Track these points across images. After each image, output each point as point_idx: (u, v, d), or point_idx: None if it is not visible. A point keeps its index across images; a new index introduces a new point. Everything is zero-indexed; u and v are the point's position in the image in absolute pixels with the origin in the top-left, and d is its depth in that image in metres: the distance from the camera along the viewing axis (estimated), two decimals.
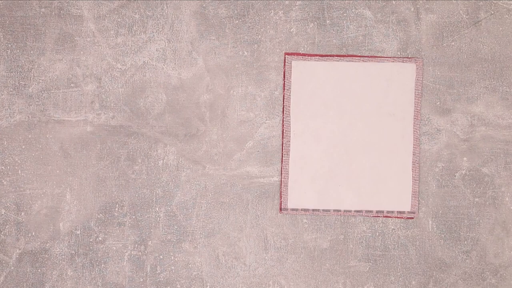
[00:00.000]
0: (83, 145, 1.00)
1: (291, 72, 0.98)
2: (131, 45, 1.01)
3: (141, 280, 0.99)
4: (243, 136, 1.01)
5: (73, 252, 1.00)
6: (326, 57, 0.99)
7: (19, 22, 1.00)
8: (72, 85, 1.00)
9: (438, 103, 1.00)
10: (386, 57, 0.99)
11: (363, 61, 0.98)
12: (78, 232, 1.00)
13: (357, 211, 0.99)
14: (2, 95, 1.00)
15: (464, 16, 1.01)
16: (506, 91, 1.00)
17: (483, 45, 1.00)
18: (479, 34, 1.01)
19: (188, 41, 1.01)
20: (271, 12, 1.01)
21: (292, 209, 0.99)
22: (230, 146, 1.01)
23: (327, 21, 1.00)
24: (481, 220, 1.00)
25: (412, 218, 0.99)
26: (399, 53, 1.00)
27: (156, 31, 1.01)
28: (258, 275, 1.00)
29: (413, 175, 0.98)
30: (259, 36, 1.00)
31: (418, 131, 0.98)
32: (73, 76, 1.00)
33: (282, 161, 0.99)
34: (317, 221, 1.00)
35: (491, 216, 1.00)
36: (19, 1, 1.01)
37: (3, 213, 1.00)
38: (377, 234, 1.00)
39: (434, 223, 1.00)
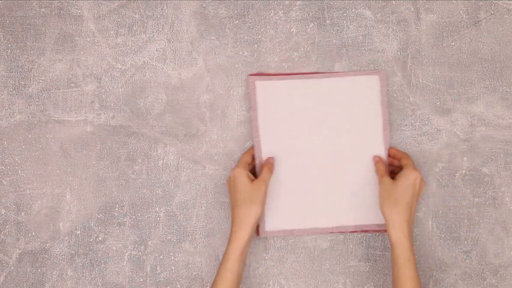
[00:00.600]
0: (83, 145, 1.00)
1: (255, 93, 0.98)
2: (131, 45, 1.01)
3: (141, 280, 0.99)
4: (243, 136, 1.01)
5: (73, 252, 1.00)
6: (289, 76, 0.98)
7: (19, 22, 1.00)
8: (72, 85, 1.00)
9: (438, 103, 1.00)
10: (349, 72, 0.98)
11: (325, 77, 0.98)
12: (78, 232, 1.00)
13: (335, 227, 0.98)
14: (2, 95, 1.00)
15: (464, 16, 1.01)
16: (506, 91, 1.00)
17: (483, 45, 1.01)
18: (479, 34, 1.01)
19: (188, 41, 1.01)
20: (271, 12, 1.01)
21: (271, 232, 0.98)
22: (230, 146, 1.01)
23: (327, 21, 1.00)
24: (481, 220, 1.00)
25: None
26: (398, 53, 1.01)
27: (156, 31, 1.01)
28: (258, 275, 1.00)
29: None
30: (259, 36, 1.00)
31: (388, 141, 0.98)
32: (73, 76, 1.00)
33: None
34: None
35: (491, 216, 1.00)
36: (19, 1, 1.01)
37: (3, 213, 1.00)
38: (377, 234, 1.00)
39: (434, 223, 1.00)
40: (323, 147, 0.98)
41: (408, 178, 0.89)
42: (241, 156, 0.97)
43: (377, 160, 0.96)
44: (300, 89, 0.98)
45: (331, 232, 0.99)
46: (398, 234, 0.86)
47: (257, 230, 0.98)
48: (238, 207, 0.91)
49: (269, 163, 0.95)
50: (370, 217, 0.98)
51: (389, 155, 0.98)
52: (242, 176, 0.92)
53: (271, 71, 1.00)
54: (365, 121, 0.98)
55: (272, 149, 0.97)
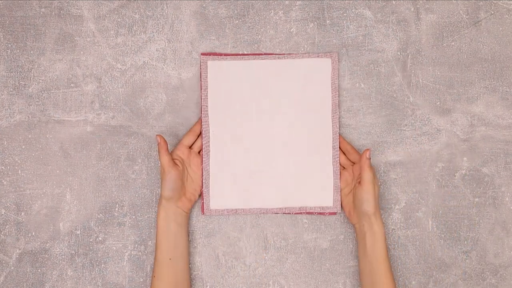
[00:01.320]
0: (83, 145, 1.00)
1: (207, 73, 0.98)
2: (131, 45, 1.00)
3: (141, 280, 0.99)
4: None
5: (73, 252, 1.00)
6: (241, 56, 0.98)
7: (19, 22, 1.00)
8: (72, 85, 1.00)
9: (438, 103, 1.00)
10: (301, 54, 0.99)
11: (278, 58, 0.98)
12: (78, 232, 1.00)
13: (279, 208, 0.99)
14: (2, 95, 1.00)
15: (464, 16, 1.01)
16: (506, 91, 1.00)
17: (483, 45, 1.01)
18: (479, 34, 1.01)
19: (188, 41, 1.01)
20: (271, 12, 1.01)
21: (215, 210, 0.98)
22: None
23: (327, 21, 1.00)
24: (481, 220, 1.00)
25: (335, 213, 0.99)
26: (398, 53, 1.00)
27: (156, 31, 1.01)
28: (258, 275, 1.00)
29: (334, 170, 0.98)
30: (259, 36, 1.00)
31: (336, 125, 0.98)
32: (73, 76, 1.00)
33: (202, 163, 0.98)
34: (317, 221, 1.00)
35: (491, 216, 1.00)
36: (19, 1, 1.01)
37: (3, 213, 1.00)
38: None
39: (434, 223, 1.00)
40: (272, 128, 0.98)
41: (368, 177, 0.92)
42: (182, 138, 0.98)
43: (365, 156, 0.93)
44: (252, 70, 0.98)
45: (276, 213, 0.99)
46: (383, 230, 0.92)
47: (202, 208, 0.99)
48: (169, 207, 0.95)
49: (159, 144, 0.94)
50: (315, 200, 0.98)
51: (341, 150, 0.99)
52: (164, 159, 0.93)
53: (225, 52, 1.00)
54: (315, 104, 0.98)
55: (221, 129, 0.98)
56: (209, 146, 0.98)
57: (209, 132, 0.98)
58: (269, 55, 0.99)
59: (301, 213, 0.99)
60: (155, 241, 0.95)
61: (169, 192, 0.93)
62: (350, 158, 0.98)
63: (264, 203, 0.99)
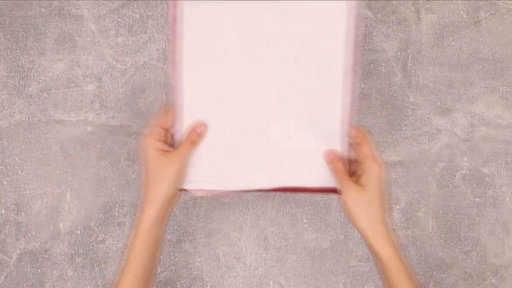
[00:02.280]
0: (83, 145, 1.00)
1: (182, 19, 0.73)
2: (131, 45, 1.00)
3: None
4: None
5: (73, 252, 1.00)
6: None
7: (19, 22, 1.00)
8: (72, 85, 1.00)
9: (438, 103, 1.00)
10: None
11: (276, 2, 0.73)
12: (78, 232, 1.00)
13: (271, 189, 0.77)
14: (2, 95, 1.00)
15: (465, 16, 1.01)
16: (507, 91, 1.00)
17: (483, 45, 1.01)
18: (479, 34, 1.01)
19: None
20: None
21: (190, 190, 0.77)
22: None
23: None
24: (482, 220, 1.00)
25: (336, 192, 0.75)
26: (399, 53, 1.00)
27: (156, 31, 1.00)
28: (258, 275, 1.00)
29: (341, 147, 0.76)
30: None
31: (349, 93, 0.74)
32: (73, 76, 1.00)
33: (174, 130, 0.76)
34: (318, 221, 1.00)
35: (492, 216, 1.00)
36: (19, 1, 1.00)
37: (3, 213, 1.00)
38: None
39: (434, 223, 1.00)
40: (264, 89, 0.75)
41: (373, 178, 0.71)
42: (155, 119, 0.76)
43: (332, 157, 0.75)
44: (242, 16, 0.73)
45: (264, 191, 0.78)
46: (385, 246, 0.70)
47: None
48: (147, 185, 0.74)
49: (195, 134, 0.75)
50: (317, 179, 0.77)
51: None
52: (151, 148, 0.73)
53: None
54: (322, 64, 0.74)
55: (197, 85, 0.75)
56: (182, 110, 0.75)
57: (182, 92, 0.75)
58: None
59: (297, 190, 0.78)
60: (126, 255, 0.74)
61: (175, 186, 0.74)
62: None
63: (251, 183, 0.77)
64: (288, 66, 0.74)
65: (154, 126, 0.75)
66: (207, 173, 0.77)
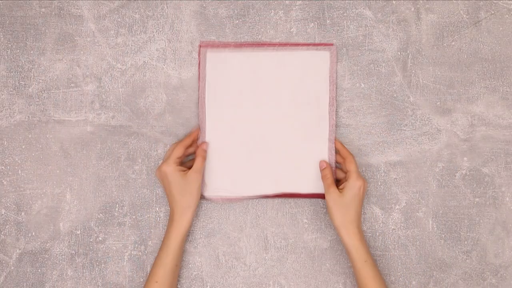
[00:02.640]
0: (83, 145, 1.00)
1: (205, 63, 0.99)
2: (131, 45, 1.00)
3: (141, 280, 0.99)
4: None
5: (73, 252, 1.00)
6: (240, 47, 0.99)
7: (19, 22, 1.00)
8: (72, 85, 1.00)
9: (438, 103, 1.00)
10: (300, 44, 0.99)
11: (277, 50, 0.98)
12: (78, 232, 1.00)
13: (274, 195, 0.99)
14: (2, 95, 1.00)
15: (465, 16, 1.01)
16: (507, 91, 1.00)
17: (483, 45, 1.00)
18: (479, 34, 1.00)
19: (188, 41, 1.00)
20: (271, 12, 1.00)
21: (209, 197, 0.99)
22: None
23: (327, 21, 1.00)
24: (482, 220, 1.00)
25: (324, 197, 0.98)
26: (399, 53, 1.00)
27: (156, 31, 1.00)
28: (258, 275, 1.00)
29: (329, 161, 0.98)
30: (259, 36, 1.00)
31: (333, 118, 0.98)
32: (73, 76, 1.00)
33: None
34: (318, 221, 1.00)
35: (492, 216, 1.00)
36: (19, 1, 1.00)
37: (3, 213, 1.00)
38: (377, 234, 1.00)
39: (434, 223, 1.00)
40: (268, 120, 0.99)
41: (353, 189, 0.92)
42: (172, 150, 0.95)
43: (324, 166, 0.97)
44: (251, 61, 0.98)
45: (269, 197, 0.99)
46: (354, 241, 0.91)
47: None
48: (176, 201, 0.93)
49: (202, 151, 0.96)
50: (310, 188, 0.99)
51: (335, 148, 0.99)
52: (173, 172, 0.92)
53: (224, 41, 1.00)
54: (312, 96, 0.98)
55: (217, 118, 0.98)
56: (205, 134, 0.98)
57: (205, 121, 0.98)
58: (268, 47, 0.99)
59: (294, 196, 0.99)
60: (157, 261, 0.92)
61: (199, 195, 0.95)
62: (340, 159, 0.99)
63: (259, 191, 0.99)
64: (287, 100, 0.99)
65: (172, 154, 0.94)
66: (224, 181, 0.99)
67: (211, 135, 0.99)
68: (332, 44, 0.99)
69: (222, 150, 0.99)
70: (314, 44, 0.99)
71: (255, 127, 0.99)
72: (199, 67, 0.99)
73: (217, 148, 0.98)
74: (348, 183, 0.93)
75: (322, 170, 0.97)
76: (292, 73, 0.98)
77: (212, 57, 0.99)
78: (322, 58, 0.99)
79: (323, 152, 0.98)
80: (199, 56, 0.99)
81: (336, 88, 0.99)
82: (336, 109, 1.00)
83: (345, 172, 0.96)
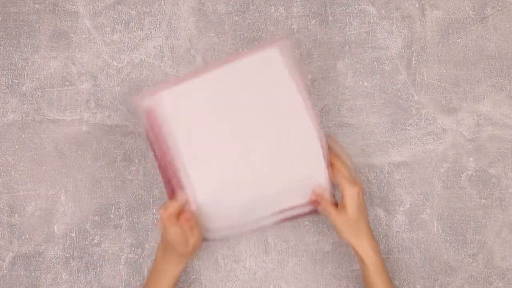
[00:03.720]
0: (78, 145, 0.99)
1: (163, 108, 0.83)
2: (128, 42, 1.00)
3: (138, 284, 0.99)
4: None
5: (68, 255, 0.99)
6: (183, 80, 0.85)
7: (12, 18, 1.00)
8: (67, 83, 1.00)
9: (444, 102, 1.00)
10: (245, 52, 0.86)
11: (222, 66, 0.85)
12: (73, 234, 0.99)
13: (273, 213, 0.87)
14: None
15: (471, 12, 1.00)
16: None
17: (490, 42, 1.00)
18: (485, 31, 1.00)
19: (186, 38, 1.00)
20: (272, 8, 1.00)
21: (214, 239, 0.89)
22: None
23: (329, 18, 1.00)
24: (488, 222, 0.99)
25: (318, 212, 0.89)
26: (403, 50, 1.00)
27: (153, 28, 1.00)
28: (258, 279, 0.99)
29: (323, 170, 0.86)
30: (260, 33, 1.00)
31: (313, 115, 0.83)
32: (68, 74, 1.00)
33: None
34: (319, 223, 1.00)
35: (498, 218, 0.99)
36: None
37: None
38: (381, 236, 0.99)
39: (439, 225, 0.99)
40: (249, 144, 0.84)
41: (353, 200, 0.84)
42: (168, 207, 0.81)
43: (318, 192, 0.86)
44: (205, 87, 0.84)
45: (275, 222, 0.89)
46: (374, 259, 0.86)
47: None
48: (170, 258, 0.85)
49: (193, 222, 0.84)
50: (304, 196, 0.87)
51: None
52: (177, 236, 0.82)
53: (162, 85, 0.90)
54: (284, 105, 0.84)
55: (195, 154, 0.83)
56: (188, 175, 0.83)
57: (184, 162, 0.83)
58: (213, 67, 0.85)
59: (291, 218, 0.89)
60: None
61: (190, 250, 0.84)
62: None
63: (258, 214, 0.87)
64: (261, 113, 0.84)
65: (170, 214, 0.81)
66: (222, 222, 0.86)
67: (193, 174, 0.83)
68: (281, 39, 0.86)
69: (214, 194, 0.84)
70: (260, 47, 0.86)
71: (241, 159, 0.84)
72: (149, 128, 0.84)
73: (209, 193, 0.83)
74: (345, 196, 0.84)
75: (315, 196, 0.87)
76: (250, 85, 0.84)
77: (164, 99, 0.83)
78: (272, 57, 0.84)
79: (317, 156, 0.85)
80: (150, 106, 0.83)
81: (307, 85, 0.87)
82: (338, 108, 0.98)
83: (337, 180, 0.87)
